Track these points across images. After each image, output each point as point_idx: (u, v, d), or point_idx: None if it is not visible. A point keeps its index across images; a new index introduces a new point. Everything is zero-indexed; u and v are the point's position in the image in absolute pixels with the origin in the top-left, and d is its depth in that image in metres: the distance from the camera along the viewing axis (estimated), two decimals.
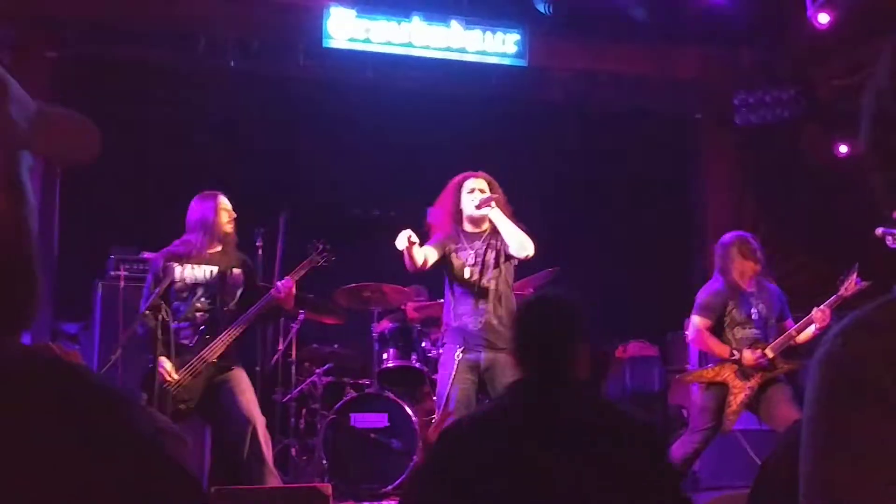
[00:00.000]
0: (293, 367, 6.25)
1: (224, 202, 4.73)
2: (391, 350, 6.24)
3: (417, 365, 6.20)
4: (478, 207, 4.66)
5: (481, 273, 4.64)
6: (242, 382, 4.55)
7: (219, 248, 4.70)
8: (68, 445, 0.69)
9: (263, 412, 5.47)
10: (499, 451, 2.14)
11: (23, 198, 0.81)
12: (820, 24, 6.72)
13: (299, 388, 6.24)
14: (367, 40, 7.26)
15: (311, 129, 7.66)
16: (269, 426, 6.00)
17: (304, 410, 6.33)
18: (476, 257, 4.65)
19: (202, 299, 4.60)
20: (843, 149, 8.17)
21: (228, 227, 4.71)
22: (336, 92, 7.58)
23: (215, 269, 4.66)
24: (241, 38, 7.12)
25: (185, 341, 4.50)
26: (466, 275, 4.64)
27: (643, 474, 2.12)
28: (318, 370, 6.30)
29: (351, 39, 7.22)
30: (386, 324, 6.54)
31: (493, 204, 4.63)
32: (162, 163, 7.25)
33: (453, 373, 4.46)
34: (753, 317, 4.99)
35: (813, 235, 7.77)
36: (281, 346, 6.19)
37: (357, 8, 7.20)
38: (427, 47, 7.39)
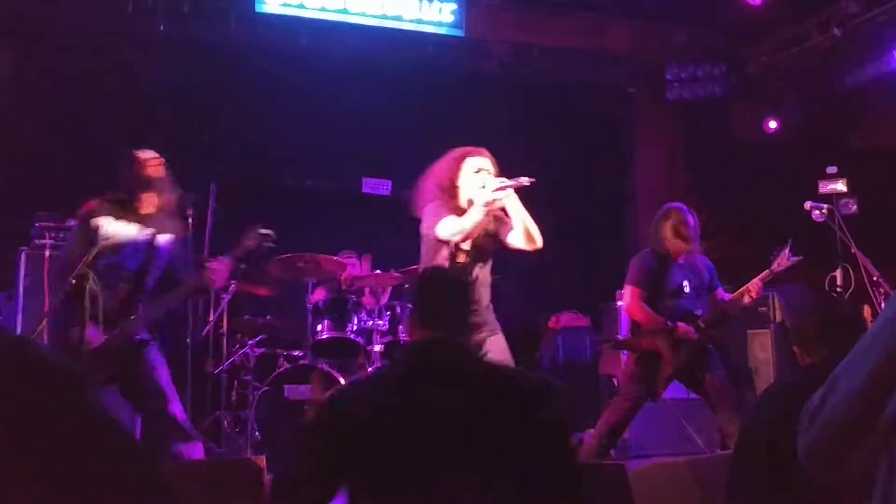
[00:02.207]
0: (225, 339, 6.17)
1: (143, 155, 4.35)
2: (325, 321, 6.20)
3: (352, 336, 6.16)
4: (495, 190, 4.11)
5: (475, 260, 4.20)
6: (158, 356, 4.27)
7: (153, 209, 4.36)
8: (33, 422, 0.66)
9: (195, 384, 5.37)
10: (388, 399, 2.22)
11: None
12: (752, 0, 6.82)
13: (231, 360, 6.17)
14: (301, 6, 7.13)
15: (244, 97, 7.50)
16: (200, 398, 5.93)
17: (236, 382, 6.26)
18: (471, 242, 4.18)
19: (130, 263, 4.26)
20: (773, 124, 8.36)
21: (156, 172, 4.34)
22: (269, 58, 7.42)
23: (149, 231, 4.33)
24: (170, 0, 6.91)
25: (109, 311, 4.12)
26: (459, 259, 4.16)
27: (531, 424, 2.23)
28: (250, 341, 6.22)
29: (284, 5, 7.08)
30: (320, 294, 6.49)
31: (510, 191, 4.15)
32: (89, 128, 7.03)
33: None
34: (685, 287, 5.07)
35: (743, 208, 7.94)
36: (212, 317, 6.09)
37: None
38: (363, 14, 7.30)
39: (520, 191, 4.19)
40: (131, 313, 4.24)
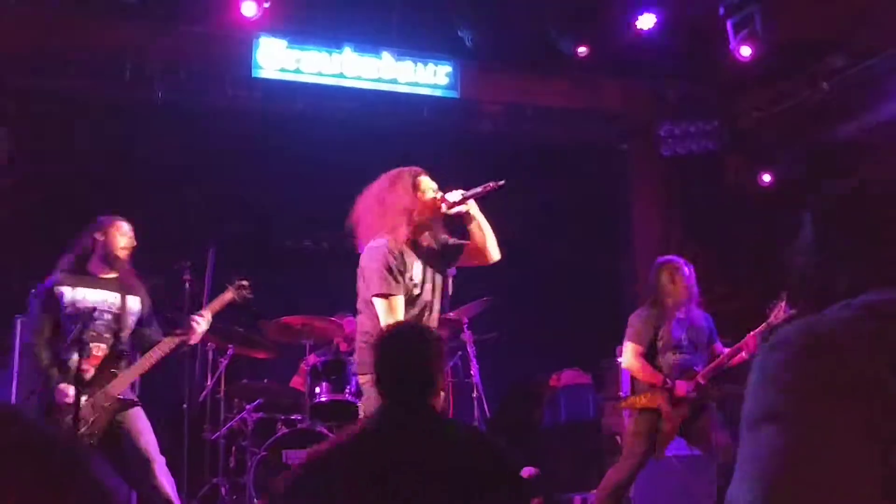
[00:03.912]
0: (222, 404, 6.10)
1: (122, 227, 4.42)
2: (324, 384, 6.14)
3: (351, 398, 6.10)
4: (459, 202, 3.87)
5: (433, 291, 3.85)
6: (141, 421, 4.24)
7: (114, 275, 4.40)
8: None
9: (192, 451, 5.30)
10: (361, 480, 2.33)
11: None
12: (742, 56, 6.90)
13: (229, 425, 6.09)
14: (297, 70, 7.21)
15: (241, 160, 7.54)
16: (197, 465, 5.85)
17: (234, 448, 6.17)
18: (425, 271, 3.82)
19: (99, 325, 4.25)
20: (767, 178, 8.40)
21: (122, 253, 4.39)
22: (266, 122, 7.49)
23: (115, 295, 4.34)
24: (167, 68, 7.00)
25: (84, 374, 4.13)
26: (415, 293, 3.77)
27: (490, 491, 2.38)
28: (248, 406, 6.15)
29: (281, 70, 7.17)
30: (318, 357, 6.45)
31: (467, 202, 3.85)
32: (87, 195, 7.06)
33: None
34: (683, 342, 5.07)
35: (739, 262, 7.94)
36: (209, 382, 6.04)
37: (288, 38, 7.16)
38: (359, 78, 7.38)
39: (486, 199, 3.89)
40: (111, 374, 4.21)
